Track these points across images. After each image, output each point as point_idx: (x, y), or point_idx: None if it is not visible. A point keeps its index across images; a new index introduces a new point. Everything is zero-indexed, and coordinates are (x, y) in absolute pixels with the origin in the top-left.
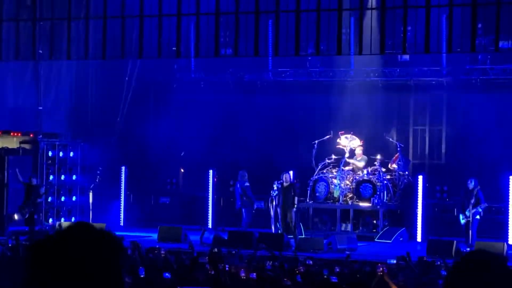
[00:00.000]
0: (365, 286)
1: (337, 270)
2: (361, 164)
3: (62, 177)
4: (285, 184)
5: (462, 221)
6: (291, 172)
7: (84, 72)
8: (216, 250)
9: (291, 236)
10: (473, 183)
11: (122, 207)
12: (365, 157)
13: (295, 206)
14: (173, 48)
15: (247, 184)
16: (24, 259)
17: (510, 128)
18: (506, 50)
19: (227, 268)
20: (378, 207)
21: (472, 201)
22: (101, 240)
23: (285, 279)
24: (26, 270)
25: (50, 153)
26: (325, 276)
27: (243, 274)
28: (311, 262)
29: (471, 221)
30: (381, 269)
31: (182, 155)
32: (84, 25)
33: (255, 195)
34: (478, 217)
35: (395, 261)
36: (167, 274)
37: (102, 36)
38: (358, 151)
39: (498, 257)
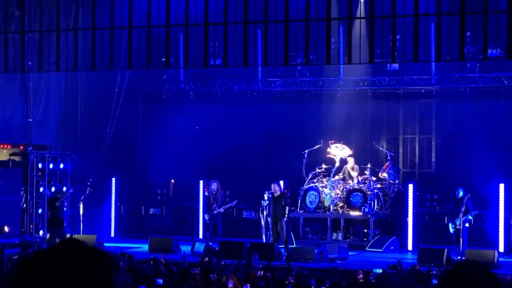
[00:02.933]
0: None
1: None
2: (354, 174)
3: (53, 189)
4: (275, 194)
5: (452, 230)
6: (281, 182)
7: (74, 83)
8: (207, 259)
9: (282, 246)
10: (461, 192)
11: (112, 218)
12: (357, 166)
13: (286, 215)
14: (163, 59)
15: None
16: (13, 276)
17: (499, 136)
18: (494, 59)
19: (220, 280)
20: (369, 216)
21: (462, 209)
22: (92, 256)
23: None
24: (15, 286)
25: (40, 165)
26: None
27: (234, 285)
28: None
29: (461, 229)
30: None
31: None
32: (73, 36)
33: (246, 205)
34: (467, 225)
35: (381, 271)
36: (159, 281)
37: (91, 48)
38: (351, 161)
39: (486, 268)
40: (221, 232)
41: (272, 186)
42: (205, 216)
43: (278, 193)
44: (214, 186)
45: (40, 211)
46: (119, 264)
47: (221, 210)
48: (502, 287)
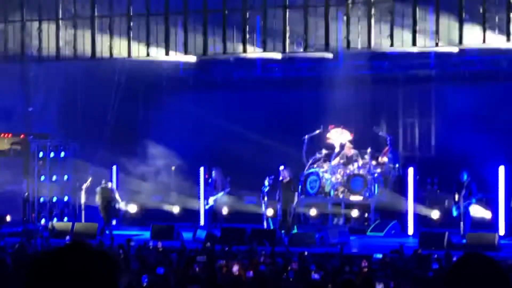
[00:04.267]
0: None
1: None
2: (351, 152)
3: (54, 178)
4: (284, 180)
5: (455, 213)
6: (281, 168)
7: (73, 72)
8: (209, 244)
9: (284, 232)
10: (466, 176)
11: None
12: (356, 151)
13: (295, 201)
14: (162, 47)
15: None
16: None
17: (499, 118)
18: (492, 42)
19: (223, 267)
20: (369, 200)
21: (465, 192)
22: (97, 259)
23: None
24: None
25: (41, 154)
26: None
27: (237, 271)
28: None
29: (463, 212)
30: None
31: None
32: (72, 25)
33: (247, 191)
34: (470, 208)
35: (381, 256)
36: (160, 269)
37: (90, 36)
38: (348, 147)
39: (493, 261)
40: (221, 218)
41: (281, 172)
42: (205, 203)
43: (287, 178)
44: (213, 173)
45: (42, 199)
46: (125, 266)
47: (216, 197)
48: (509, 280)
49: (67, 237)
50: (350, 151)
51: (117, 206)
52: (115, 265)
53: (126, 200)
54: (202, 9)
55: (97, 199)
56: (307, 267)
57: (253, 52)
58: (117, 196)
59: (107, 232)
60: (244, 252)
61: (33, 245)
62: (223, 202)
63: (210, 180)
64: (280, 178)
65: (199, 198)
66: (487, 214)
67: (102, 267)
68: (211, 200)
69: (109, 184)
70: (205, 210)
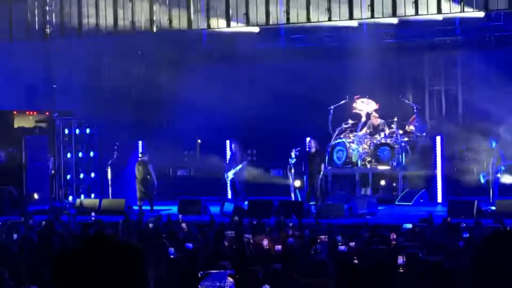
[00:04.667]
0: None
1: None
2: (378, 121)
3: (80, 155)
4: (311, 151)
5: (483, 180)
6: (308, 139)
7: (97, 47)
8: (236, 218)
9: (313, 203)
10: (494, 143)
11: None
12: (382, 120)
13: (321, 173)
14: (185, 21)
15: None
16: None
17: None
18: None
19: (251, 240)
20: (397, 169)
21: (493, 160)
22: (121, 251)
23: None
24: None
25: (66, 131)
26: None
27: (266, 245)
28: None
29: (491, 179)
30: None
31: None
32: (94, 1)
33: (274, 163)
34: (499, 175)
35: (410, 226)
36: (189, 245)
37: (112, 12)
38: (375, 117)
39: None
40: (241, 191)
41: (308, 142)
42: (226, 176)
43: (314, 149)
44: (232, 146)
45: (68, 176)
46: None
47: (236, 170)
48: None
49: (92, 214)
50: (376, 120)
51: (153, 180)
52: (140, 257)
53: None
54: None
55: (136, 174)
56: (335, 239)
57: (277, 24)
58: (149, 168)
59: (135, 207)
60: (272, 225)
61: (61, 223)
62: (244, 174)
63: (230, 153)
64: (307, 149)
65: (225, 171)
66: None
67: (127, 259)
68: (230, 174)
69: (146, 157)
70: (228, 184)
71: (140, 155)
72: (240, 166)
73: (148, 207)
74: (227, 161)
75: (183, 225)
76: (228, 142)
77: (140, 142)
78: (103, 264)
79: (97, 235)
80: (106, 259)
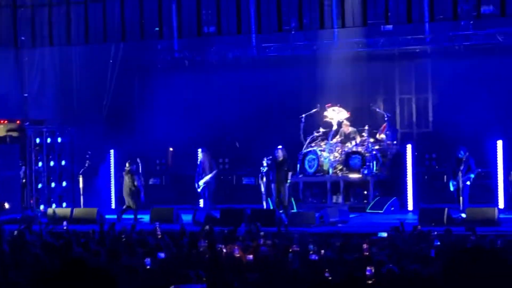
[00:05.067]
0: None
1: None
2: (349, 129)
3: (51, 163)
4: (278, 159)
5: (452, 188)
6: (279, 147)
7: (68, 56)
8: (207, 228)
9: (282, 211)
10: (462, 152)
11: (112, 190)
12: (353, 128)
13: (288, 181)
14: (156, 29)
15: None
16: None
17: (495, 93)
18: (487, 16)
19: (223, 249)
20: (368, 177)
21: (463, 168)
22: (95, 277)
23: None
24: None
25: (37, 140)
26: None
27: (238, 253)
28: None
29: (461, 187)
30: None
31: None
32: (65, 10)
33: (245, 171)
34: (468, 183)
35: (385, 234)
36: (161, 254)
37: (84, 21)
38: (346, 125)
39: (493, 252)
40: (208, 200)
41: (276, 151)
42: (196, 186)
43: (281, 158)
44: (201, 155)
45: (40, 185)
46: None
47: (205, 180)
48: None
49: (64, 223)
50: (347, 129)
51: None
52: (112, 282)
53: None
54: None
55: (124, 183)
56: (307, 248)
57: (248, 32)
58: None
59: (107, 216)
60: (244, 233)
61: (33, 233)
62: (214, 183)
63: (198, 162)
64: (273, 157)
65: (195, 180)
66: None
67: (100, 285)
68: (201, 183)
69: (133, 167)
70: (199, 193)
71: (126, 164)
72: (210, 175)
73: (131, 216)
74: (197, 170)
75: (158, 233)
76: (200, 150)
77: (111, 151)
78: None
79: (72, 261)
80: (79, 284)
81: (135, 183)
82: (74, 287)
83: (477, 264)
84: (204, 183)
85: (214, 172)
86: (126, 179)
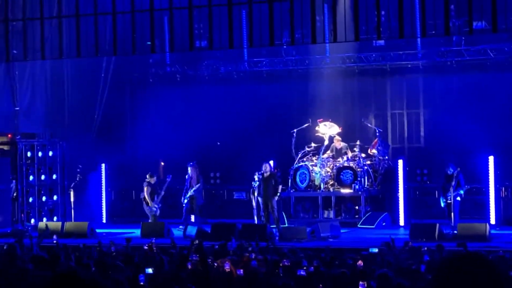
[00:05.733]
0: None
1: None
2: (340, 145)
3: (42, 177)
4: (265, 174)
5: (443, 204)
6: (271, 162)
7: (60, 70)
8: (197, 242)
9: (274, 226)
10: (451, 169)
11: (103, 204)
12: (345, 144)
13: (278, 195)
14: (148, 43)
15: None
16: None
17: (487, 108)
18: (479, 32)
19: (214, 264)
20: (360, 193)
21: (453, 184)
22: None
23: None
24: None
25: (29, 154)
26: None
27: (228, 268)
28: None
29: (452, 203)
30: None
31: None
32: (57, 24)
33: (237, 186)
34: (458, 198)
35: (377, 250)
36: (148, 270)
37: (75, 35)
38: (337, 140)
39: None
40: (186, 216)
41: (263, 166)
42: (182, 200)
43: (268, 173)
44: (189, 170)
45: (30, 199)
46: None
47: (189, 194)
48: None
49: (54, 237)
50: (339, 144)
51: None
52: None
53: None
54: (187, 5)
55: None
56: (297, 263)
57: (240, 46)
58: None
59: (98, 231)
60: (234, 248)
61: (23, 247)
62: (200, 197)
63: (187, 177)
64: (262, 172)
65: (183, 195)
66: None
67: None
68: (188, 196)
69: (152, 180)
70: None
71: (147, 176)
72: (194, 188)
73: (109, 230)
74: (185, 185)
75: (154, 248)
76: (189, 165)
77: (103, 165)
78: None
79: (65, 272)
80: None
81: (145, 196)
82: None
83: (467, 269)
84: (188, 197)
85: (198, 185)
86: (144, 190)
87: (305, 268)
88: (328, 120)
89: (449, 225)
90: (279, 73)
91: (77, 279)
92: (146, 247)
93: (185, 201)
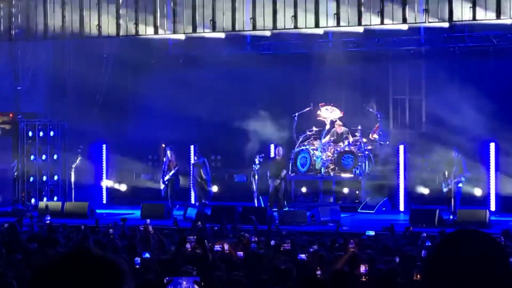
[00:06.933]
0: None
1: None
2: (341, 129)
3: (43, 157)
4: (277, 158)
5: (444, 190)
6: (272, 146)
7: (62, 50)
8: (199, 224)
9: (276, 210)
10: (454, 153)
11: (104, 185)
12: (346, 128)
13: (283, 177)
14: (151, 25)
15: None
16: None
17: (489, 95)
18: (483, 18)
19: (214, 247)
20: (360, 177)
21: (455, 169)
22: (102, 266)
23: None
24: None
25: (30, 133)
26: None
27: (227, 250)
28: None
29: (453, 189)
30: (353, 245)
31: None
32: (60, 4)
33: (238, 169)
34: (460, 185)
35: (373, 233)
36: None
37: (78, 15)
38: (338, 125)
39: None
40: (170, 198)
41: (276, 149)
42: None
43: (281, 156)
44: (168, 153)
45: (31, 179)
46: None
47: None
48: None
49: (47, 217)
50: (340, 128)
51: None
52: (121, 272)
53: (116, 178)
54: None
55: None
56: (297, 246)
57: (243, 30)
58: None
59: (98, 211)
60: (234, 231)
61: (24, 226)
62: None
63: (165, 159)
64: (272, 155)
65: (189, 176)
66: (477, 191)
67: (107, 275)
68: (166, 179)
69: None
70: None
71: (195, 157)
72: (172, 171)
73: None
74: (162, 168)
75: (150, 230)
76: (192, 147)
77: (104, 145)
78: (82, 279)
79: (78, 248)
80: (85, 274)
81: (203, 176)
82: (78, 277)
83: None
84: (166, 180)
85: (175, 169)
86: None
87: (302, 251)
88: (330, 105)
89: (449, 211)
90: (281, 56)
91: (91, 256)
92: (141, 228)
93: (162, 186)
